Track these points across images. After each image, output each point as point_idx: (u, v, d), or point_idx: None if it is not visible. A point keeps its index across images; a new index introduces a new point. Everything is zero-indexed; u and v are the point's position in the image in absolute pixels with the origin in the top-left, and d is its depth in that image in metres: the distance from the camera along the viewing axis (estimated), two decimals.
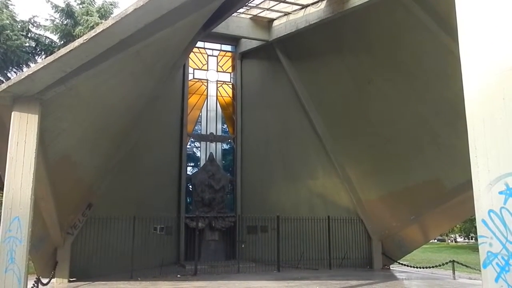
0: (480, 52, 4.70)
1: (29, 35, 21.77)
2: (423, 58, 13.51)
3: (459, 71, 4.92)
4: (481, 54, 4.68)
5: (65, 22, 21.72)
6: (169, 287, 11.87)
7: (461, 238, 48.24)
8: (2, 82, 18.28)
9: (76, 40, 7.86)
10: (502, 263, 4.13)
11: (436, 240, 43.31)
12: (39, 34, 22.11)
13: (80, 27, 20.49)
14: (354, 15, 14.34)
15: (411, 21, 13.11)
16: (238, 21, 18.56)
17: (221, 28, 17.61)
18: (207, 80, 20.73)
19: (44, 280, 11.01)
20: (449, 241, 47.27)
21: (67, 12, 21.49)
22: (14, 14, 21.07)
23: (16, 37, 19.88)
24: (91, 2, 22.49)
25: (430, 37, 12.73)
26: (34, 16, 21.92)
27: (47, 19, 21.84)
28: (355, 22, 14.72)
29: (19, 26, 21.00)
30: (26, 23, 21.48)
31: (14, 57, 19.88)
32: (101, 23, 9.53)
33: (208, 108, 20.53)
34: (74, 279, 12.95)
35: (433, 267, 15.83)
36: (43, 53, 21.73)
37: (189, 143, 19.98)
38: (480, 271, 4.45)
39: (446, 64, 12.24)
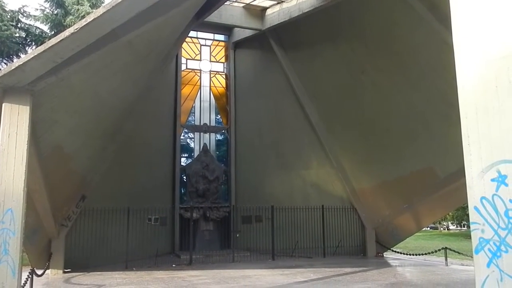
0: (474, 40, 4.70)
1: (19, 25, 21.43)
2: (417, 48, 13.50)
3: (452, 61, 4.92)
4: (474, 43, 4.69)
5: (55, 12, 21.40)
6: (165, 276, 11.92)
7: (454, 225, 48.81)
8: None
9: (67, 30, 7.76)
10: (493, 248, 4.19)
11: (429, 228, 43.81)
12: (29, 24, 21.78)
13: (71, 17, 20.20)
14: (348, 4, 14.28)
15: (405, 10, 13.08)
16: (231, 10, 18.40)
17: (213, 17, 17.45)
18: (200, 70, 20.60)
19: (39, 272, 10.98)
20: (442, 228, 47.82)
21: (58, 2, 21.16)
22: (3, 4, 20.70)
23: (5, 27, 19.57)
24: None
25: (424, 26, 12.72)
26: (24, 6, 21.64)
27: (37, 9, 21.52)
28: (348, 11, 14.67)
29: (8, 16, 20.65)
30: (16, 13, 21.11)
31: (4, 48, 19.58)
32: (92, 12, 9.38)
33: (202, 99, 20.44)
34: (69, 270, 12.96)
35: (426, 254, 16.03)
36: (33, 43, 21.41)
37: (182, 134, 19.92)
38: (472, 257, 4.51)
39: (439, 54, 12.26)
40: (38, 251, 12.29)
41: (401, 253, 16.70)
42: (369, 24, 14.53)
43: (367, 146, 15.95)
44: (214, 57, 20.92)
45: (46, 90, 8.47)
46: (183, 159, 19.63)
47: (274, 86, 18.82)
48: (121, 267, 13.42)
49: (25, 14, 21.41)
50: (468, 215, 4.85)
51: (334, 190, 17.27)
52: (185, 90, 20.00)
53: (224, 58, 21.05)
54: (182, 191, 19.30)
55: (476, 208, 4.38)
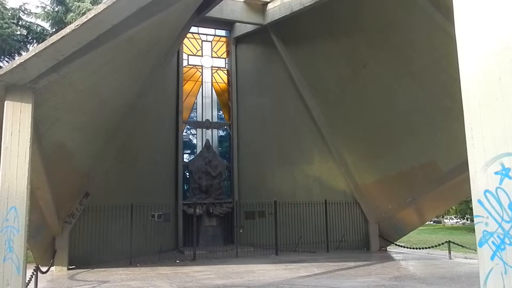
0: (477, 31, 4.65)
1: (20, 23, 21.39)
2: (419, 40, 13.43)
3: (455, 53, 4.87)
4: (477, 34, 4.64)
5: (56, 9, 21.35)
6: (169, 272, 11.97)
7: (453, 220, 48.63)
8: None
9: (68, 27, 7.73)
10: (497, 241, 4.16)
11: (432, 222, 43.78)
12: (30, 22, 21.74)
13: (71, 14, 20.15)
14: None
15: (406, 3, 12.99)
16: (232, 5, 18.35)
17: (215, 12, 17.42)
18: (201, 66, 20.57)
19: (43, 269, 11.05)
20: (445, 221, 47.72)
21: None
22: (4, 2, 20.68)
23: (7, 25, 19.55)
24: None
25: (426, 18, 12.64)
26: (24, 4, 21.48)
27: (38, 6, 21.53)
28: (350, 4, 14.58)
29: (9, 14, 20.63)
30: (17, 11, 21.08)
31: (5, 46, 19.57)
32: (93, 9, 9.34)
33: (204, 95, 20.42)
34: (73, 266, 13.04)
35: (429, 247, 16.03)
36: (34, 41, 21.40)
37: (185, 130, 19.93)
38: (475, 250, 4.49)
39: (441, 46, 12.19)
40: (42, 248, 12.35)
41: (404, 247, 16.71)
42: (371, 17, 14.45)
43: (369, 140, 15.91)
44: (215, 52, 20.88)
45: (48, 87, 8.47)
46: (185, 156, 19.66)
47: (275, 81, 18.78)
48: (125, 263, 13.48)
49: (26, 12, 21.38)
50: (471, 208, 4.84)
51: (337, 184, 17.25)
52: (187, 86, 19.99)
53: (225, 53, 21.00)
54: (185, 187, 19.34)
55: (479, 201, 4.35)
